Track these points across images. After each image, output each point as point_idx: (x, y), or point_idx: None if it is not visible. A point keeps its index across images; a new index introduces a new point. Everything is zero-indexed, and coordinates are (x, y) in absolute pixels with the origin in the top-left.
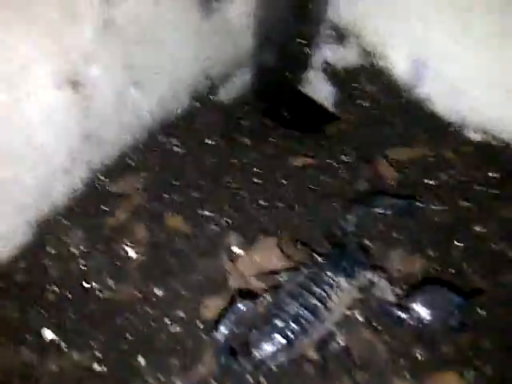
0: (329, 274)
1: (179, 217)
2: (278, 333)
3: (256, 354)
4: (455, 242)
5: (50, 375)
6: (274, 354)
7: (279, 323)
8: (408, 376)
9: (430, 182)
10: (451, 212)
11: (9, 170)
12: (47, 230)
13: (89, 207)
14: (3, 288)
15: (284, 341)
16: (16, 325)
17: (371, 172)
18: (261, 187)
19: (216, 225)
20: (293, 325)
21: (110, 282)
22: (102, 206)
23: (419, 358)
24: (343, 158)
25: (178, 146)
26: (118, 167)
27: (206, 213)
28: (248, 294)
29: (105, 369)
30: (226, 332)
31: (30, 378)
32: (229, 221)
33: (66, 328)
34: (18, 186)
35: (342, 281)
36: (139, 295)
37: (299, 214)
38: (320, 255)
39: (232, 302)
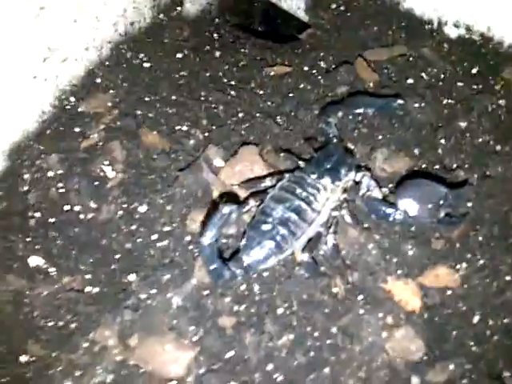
0: (313, 176)
1: (155, 133)
2: (266, 237)
3: (246, 260)
4: (439, 139)
5: (41, 300)
6: (263, 259)
7: (266, 228)
8: (400, 273)
9: (411, 82)
10: (434, 109)
11: None
12: (21, 157)
13: (60, 129)
14: None
15: (273, 245)
16: (0, 253)
17: (350, 76)
18: (237, 99)
19: (194, 139)
20: (280, 228)
21: (92, 203)
22: (73, 128)
23: (410, 254)
24: (320, 64)
25: (146, 61)
26: (86, 86)
27: (183, 128)
28: (231, 199)
29: (96, 290)
30: (213, 237)
31: (23, 304)
32: (207, 135)
33: (52, 253)
34: None
35: (327, 182)
36: (122, 213)
37: (279, 123)
38: (303, 160)
39: (215, 207)
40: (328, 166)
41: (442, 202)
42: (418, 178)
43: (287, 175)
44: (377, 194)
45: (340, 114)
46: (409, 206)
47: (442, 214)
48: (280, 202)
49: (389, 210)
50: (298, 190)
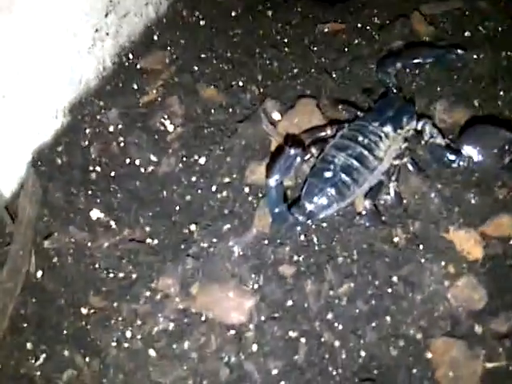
0: (375, 124)
1: (213, 88)
2: (328, 184)
3: (308, 206)
4: (499, 91)
5: (102, 252)
6: (325, 206)
7: (328, 175)
8: (462, 222)
9: (468, 34)
10: (492, 61)
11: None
12: (82, 112)
13: (120, 86)
14: (45, 171)
15: (335, 191)
16: (62, 206)
17: (406, 29)
18: (291, 55)
19: (251, 94)
20: (342, 175)
21: (152, 156)
22: (132, 84)
23: (473, 203)
24: (374, 20)
25: (202, 18)
26: (145, 43)
27: (239, 83)
28: (297, 143)
29: (157, 241)
30: (279, 179)
31: (84, 256)
32: (263, 90)
33: (113, 206)
34: (43, 66)
35: (389, 130)
36: (182, 166)
37: (334, 77)
38: (362, 111)
39: (281, 150)
40: (390, 114)
41: (506, 148)
42: (482, 124)
43: (347, 124)
44: (440, 140)
45: (399, 64)
46: (473, 151)
47: (507, 160)
48: (342, 149)
49: (452, 157)
50: (360, 138)
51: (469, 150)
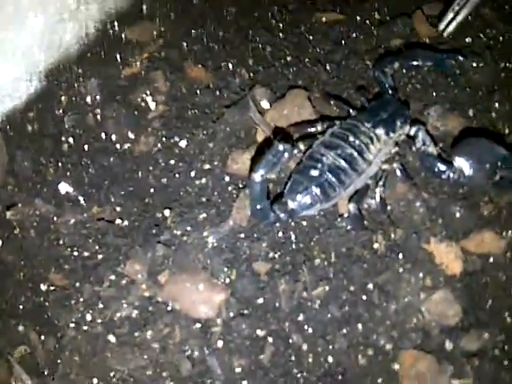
0: (367, 125)
1: (200, 67)
2: (314, 183)
3: (290, 204)
4: (494, 102)
5: (68, 228)
6: (309, 205)
7: (315, 173)
8: (444, 235)
9: (468, 40)
10: (491, 71)
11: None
12: (58, 78)
13: (102, 54)
14: (14, 138)
15: (319, 191)
16: (30, 176)
17: (406, 28)
18: (285, 42)
19: (240, 78)
20: (329, 175)
21: (129, 133)
22: (116, 54)
23: (457, 216)
24: (374, 15)
25: None
26: (133, 12)
27: (230, 65)
28: (286, 137)
29: (128, 223)
30: (264, 175)
31: (48, 230)
32: (253, 75)
33: (83, 181)
34: (20, 28)
35: (381, 133)
36: (161, 147)
37: (328, 70)
38: (354, 109)
39: (269, 144)
40: (383, 116)
41: (499, 164)
42: (477, 137)
43: (338, 122)
44: (432, 149)
45: (396, 65)
46: (465, 164)
47: (498, 177)
48: (331, 148)
49: (443, 167)
50: (351, 138)
51: (461, 163)
